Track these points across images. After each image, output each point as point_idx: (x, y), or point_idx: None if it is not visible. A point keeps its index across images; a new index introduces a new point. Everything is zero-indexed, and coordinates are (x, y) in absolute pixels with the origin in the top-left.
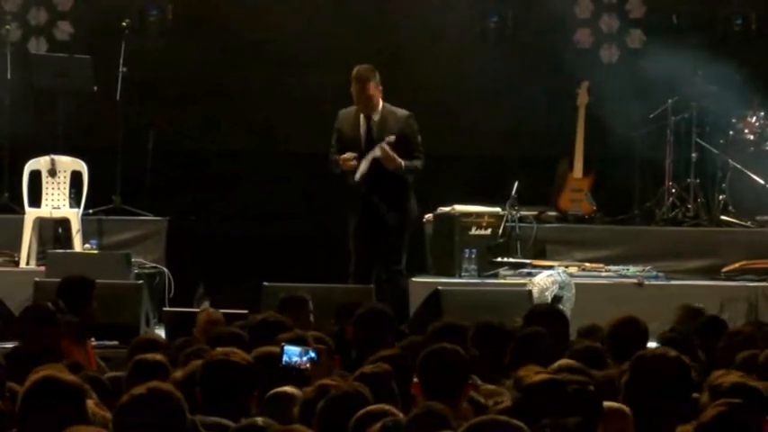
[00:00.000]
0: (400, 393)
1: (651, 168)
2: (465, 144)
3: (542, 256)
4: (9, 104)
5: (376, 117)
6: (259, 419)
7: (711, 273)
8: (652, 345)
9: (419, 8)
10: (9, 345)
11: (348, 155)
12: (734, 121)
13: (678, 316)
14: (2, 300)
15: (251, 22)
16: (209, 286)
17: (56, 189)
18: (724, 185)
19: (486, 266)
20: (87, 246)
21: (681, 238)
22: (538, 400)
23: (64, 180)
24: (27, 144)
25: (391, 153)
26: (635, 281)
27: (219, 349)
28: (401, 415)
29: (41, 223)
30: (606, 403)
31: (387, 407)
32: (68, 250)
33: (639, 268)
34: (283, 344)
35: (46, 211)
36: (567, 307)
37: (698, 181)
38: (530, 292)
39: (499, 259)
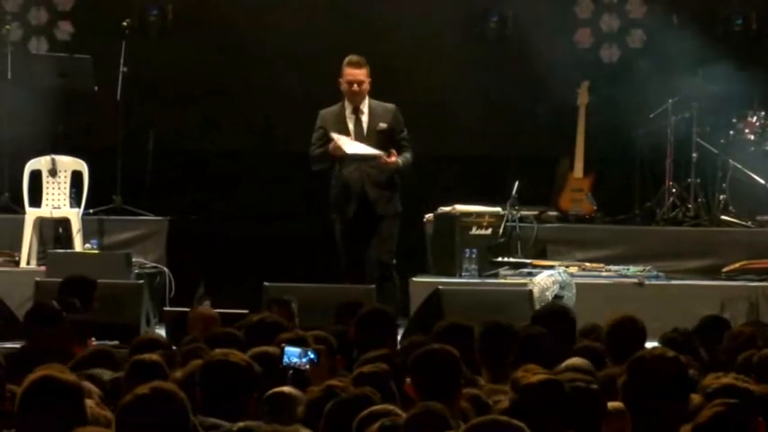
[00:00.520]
0: (399, 393)
1: (651, 168)
2: (465, 144)
3: (543, 255)
4: (9, 104)
5: (365, 108)
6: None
7: (712, 273)
8: (653, 345)
9: (419, 8)
10: (9, 345)
11: (337, 137)
12: (734, 120)
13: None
14: (2, 299)
15: (251, 22)
16: (209, 286)
17: (56, 189)
18: (724, 185)
19: (487, 266)
20: (88, 246)
21: (681, 237)
22: (535, 401)
23: (64, 180)
24: (27, 144)
25: (391, 162)
26: (635, 281)
27: (218, 350)
28: (403, 415)
29: (42, 223)
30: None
31: (390, 407)
32: (69, 250)
33: (640, 268)
34: (283, 345)
35: (46, 210)
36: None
37: (698, 181)
38: (530, 291)
39: (500, 259)
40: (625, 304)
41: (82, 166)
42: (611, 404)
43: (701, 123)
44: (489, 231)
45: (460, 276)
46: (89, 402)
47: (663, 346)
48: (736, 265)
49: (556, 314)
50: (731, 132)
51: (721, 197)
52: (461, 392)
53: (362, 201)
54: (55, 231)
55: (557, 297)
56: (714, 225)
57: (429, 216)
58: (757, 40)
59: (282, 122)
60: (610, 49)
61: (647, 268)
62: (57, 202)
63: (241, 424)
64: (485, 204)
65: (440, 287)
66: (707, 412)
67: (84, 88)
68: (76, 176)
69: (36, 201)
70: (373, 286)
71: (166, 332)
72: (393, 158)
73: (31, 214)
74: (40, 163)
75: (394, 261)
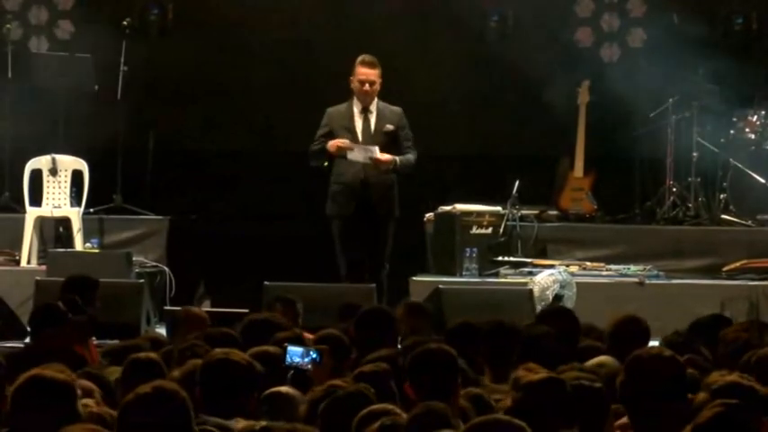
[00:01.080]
0: (399, 393)
1: (652, 167)
2: (465, 143)
3: (543, 255)
4: (10, 103)
5: (373, 108)
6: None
7: (712, 272)
8: (654, 344)
9: (419, 7)
10: (10, 344)
11: (343, 141)
12: (735, 119)
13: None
14: (2, 299)
15: (251, 21)
16: (209, 285)
17: (57, 188)
18: (725, 184)
19: (487, 265)
20: (88, 245)
21: (682, 237)
22: (537, 399)
23: (65, 179)
24: (28, 143)
25: (388, 162)
26: (636, 280)
27: (219, 350)
28: (404, 415)
29: (42, 222)
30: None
31: (390, 406)
32: (69, 249)
33: (640, 267)
34: (286, 344)
35: (47, 210)
36: (567, 306)
37: (699, 180)
38: (531, 291)
39: (500, 258)
40: (625, 303)
41: (82, 166)
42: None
43: (701, 122)
44: (490, 231)
45: (461, 276)
46: (90, 401)
47: (660, 346)
48: (737, 264)
49: (559, 314)
50: (731, 131)
51: (722, 196)
52: (459, 392)
53: (363, 200)
54: (55, 230)
55: (557, 296)
56: (714, 224)
57: (429, 215)
58: (757, 40)
59: (282, 122)
60: (610, 49)
61: (648, 267)
62: (57, 201)
63: (263, 423)
64: (485, 204)
65: (440, 286)
66: (707, 412)
67: (85, 87)
68: (77, 176)
69: (36, 200)
70: (373, 285)
71: (167, 331)
72: (385, 157)
73: (32, 213)
74: (41, 162)
75: (387, 265)
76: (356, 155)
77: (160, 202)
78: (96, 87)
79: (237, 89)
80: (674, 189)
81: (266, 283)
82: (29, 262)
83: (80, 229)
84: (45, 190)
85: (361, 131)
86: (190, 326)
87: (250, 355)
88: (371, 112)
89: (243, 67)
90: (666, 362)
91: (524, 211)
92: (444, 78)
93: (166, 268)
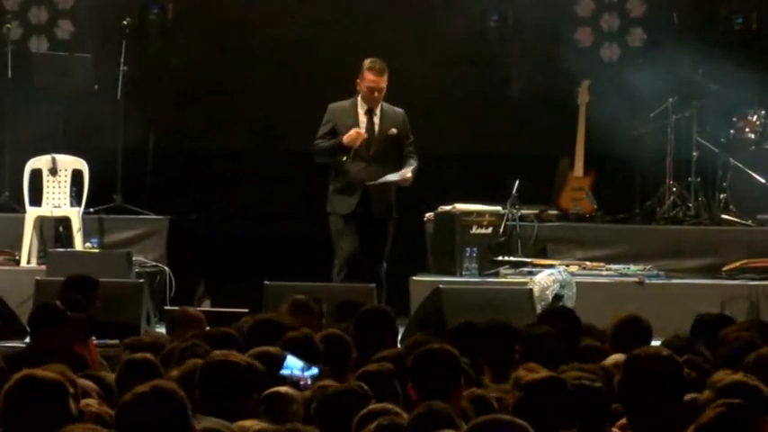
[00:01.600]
0: (403, 393)
1: (652, 167)
2: (465, 143)
3: (543, 254)
4: (10, 103)
5: (378, 111)
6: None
7: (712, 272)
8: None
9: (419, 7)
10: (10, 344)
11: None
12: (734, 119)
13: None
14: (2, 298)
15: (251, 21)
16: (209, 285)
17: (57, 188)
18: (725, 184)
19: (487, 265)
20: (88, 244)
21: (682, 236)
22: (537, 399)
23: (65, 179)
24: (28, 143)
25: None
26: (636, 280)
27: (219, 351)
28: (405, 414)
29: (42, 222)
30: None
31: (390, 406)
32: (69, 249)
33: (640, 267)
34: (286, 353)
35: (47, 209)
36: (567, 306)
37: (699, 180)
38: (531, 290)
39: (500, 258)
40: (625, 303)
41: (82, 165)
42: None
43: (701, 122)
44: (490, 230)
45: (461, 275)
46: (92, 401)
47: (658, 346)
48: (737, 263)
49: (560, 314)
50: (731, 131)
51: (722, 196)
52: (461, 392)
53: (364, 200)
54: (55, 230)
55: (557, 296)
56: (714, 224)
57: (429, 215)
58: (757, 39)
59: (282, 122)
60: (610, 48)
61: (648, 267)
62: (57, 200)
63: (289, 425)
64: (485, 203)
65: (440, 286)
66: (710, 412)
67: (85, 87)
68: (77, 175)
69: (36, 200)
70: (373, 285)
71: (167, 331)
72: (409, 176)
73: (32, 213)
74: (41, 162)
75: (385, 265)
76: (386, 179)
77: (160, 202)
78: (96, 87)
79: (237, 89)
80: (674, 189)
81: (266, 282)
82: (29, 262)
83: (80, 229)
84: (45, 190)
85: (366, 132)
86: (186, 326)
87: (250, 355)
88: (376, 114)
89: (243, 67)
90: (664, 362)
91: (524, 211)
92: (444, 78)
93: (166, 268)
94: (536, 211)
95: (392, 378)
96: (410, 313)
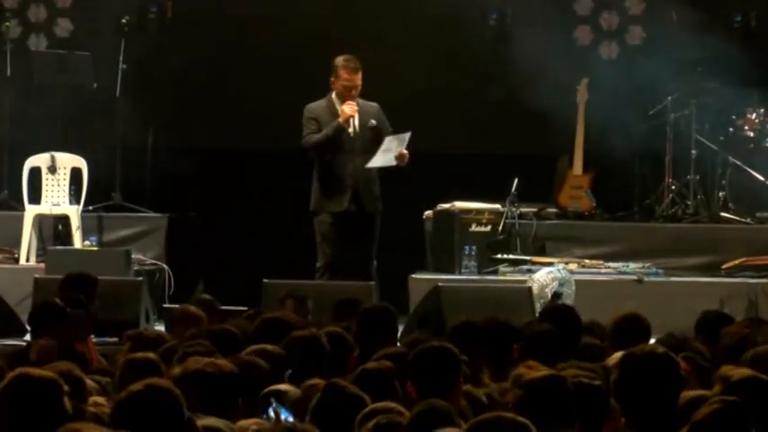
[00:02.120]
0: (403, 391)
1: (651, 165)
2: (464, 141)
3: (542, 252)
4: (9, 101)
5: (355, 106)
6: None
7: (711, 269)
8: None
9: (419, 6)
10: (9, 342)
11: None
12: (733, 117)
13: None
14: (1, 297)
15: (250, 19)
16: (208, 283)
17: (55, 186)
18: (724, 182)
19: (486, 263)
20: (87, 242)
21: (680, 234)
22: (537, 397)
23: (64, 177)
24: (27, 141)
25: (406, 153)
26: (635, 278)
27: (200, 359)
28: (406, 412)
29: (41, 220)
30: None
31: (391, 404)
32: (68, 247)
33: (639, 265)
34: (276, 405)
35: (46, 207)
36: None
37: (698, 178)
38: (530, 288)
39: (499, 256)
40: (624, 301)
41: (81, 163)
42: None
43: (700, 120)
44: (489, 228)
45: (460, 273)
46: (100, 399)
47: (654, 344)
48: (736, 261)
49: (560, 311)
50: (730, 129)
51: (721, 194)
52: (462, 390)
53: (354, 195)
54: (54, 228)
55: (556, 294)
56: (713, 222)
57: (428, 213)
58: (756, 37)
59: (282, 121)
60: (609, 46)
61: (647, 265)
62: (56, 199)
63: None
64: (484, 201)
65: (439, 284)
66: (706, 409)
67: (84, 85)
68: (76, 173)
69: (35, 198)
70: (373, 283)
71: (166, 329)
72: (405, 152)
73: (31, 211)
74: (40, 160)
75: (375, 261)
76: (374, 161)
77: (159, 200)
78: (95, 85)
79: (236, 87)
80: (673, 187)
81: (265, 280)
82: (27, 260)
83: (79, 227)
84: (44, 188)
85: (349, 128)
86: (186, 324)
87: (249, 353)
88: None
89: (241, 65)
90: (660, 359)
91: (523, 209)
92: (443, 76)
93: (165, 266)
94: (535, 209)
95: (392, 376)
96: (409, 311)
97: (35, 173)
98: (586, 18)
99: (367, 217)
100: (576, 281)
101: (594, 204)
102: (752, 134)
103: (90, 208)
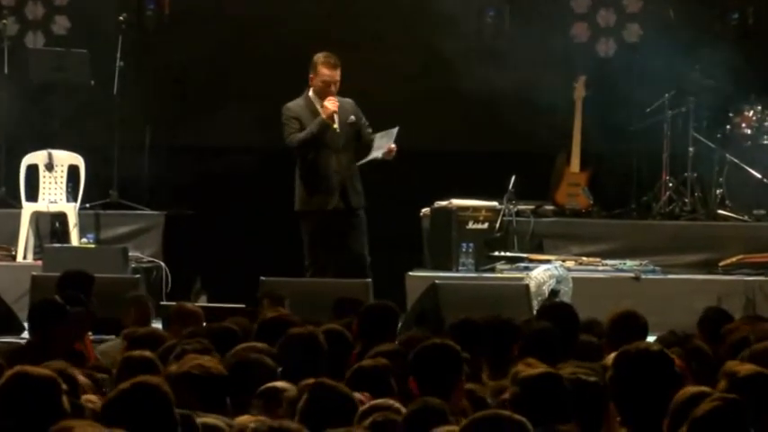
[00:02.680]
0: (399, 389)
1: (648, 162)
2: (462, 139)
3: (539, 250)
4: (6, 99)
5: (336, 102)
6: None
7: (708, 267)
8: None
9: (416, 4)
10: (7, 339)
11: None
12: (731, 115)
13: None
14: None
15: (250, 17)
16: (205, 281)
17: (53, 183)
18: (721, 180)
19: (484, 260)
20: (84, 240)
21: (678, 232)
22: (534, 394)
23: (61, 174)
24: (24, 138)
25: (393, 148)
26: (632, 275)
27: (190, 362)
28: (403, 409)
29: (38, 217)
30: None
31: (391, 401)
32: (65, 244)
33: (636, 262)
34: None
35: (43, 205)
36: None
37: (695, 175)
38: (527, 286)
39: (496, 253)
40: (622, 298)
41: (78, 161)
42: None
43: (697, 118)
44: (486, 226)
45: (457, 271)
46: (93, 397)
47: (650, 341)
48: (733, 259)
49: (559, 309)
50: (728, 127)
51: (718, 191)
52: (463, 387)
53: (342, 193)
54: (51, 226)
55: (553, 291)
56: (711, 219)
57: (425, 210)
58: (753, 35)
59: (280, 119)
60: (606, 44)
61: (644, 262)
62: (53, 196)
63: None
64: (481, 199)
65: (437, 281)
66: (705, 406)
67: (81, 83)
68: (73, 171)
69: (33, 195)
70: (369, 281)
71: (163, 327)
72: (393, 146)
73: (28, 209)
74: (37, 157)
75: (369, 258)
76: (379, 143)
77: (156, 198)
78: (92, 83)
79: (234, 85)
80: (671, 184)
81: (262, 278)
82: (25, 257)
83: (76, 225)
84: (41, 185)
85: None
86: (184, 321)
87: (240, 350)
88: None
89: (239, 63)
90: (655, 357)
91: (520, 206)
92: (440, 74)
93: (163, 263)
94: (532, 207)
95: (388, 374)
96: (406, 309)
97: (32, 170)
98: (584, 15)
99: (354, 213)
100: (574, 278)
101: (592, 202)
102: (749, 131)
103: (87, 205)
